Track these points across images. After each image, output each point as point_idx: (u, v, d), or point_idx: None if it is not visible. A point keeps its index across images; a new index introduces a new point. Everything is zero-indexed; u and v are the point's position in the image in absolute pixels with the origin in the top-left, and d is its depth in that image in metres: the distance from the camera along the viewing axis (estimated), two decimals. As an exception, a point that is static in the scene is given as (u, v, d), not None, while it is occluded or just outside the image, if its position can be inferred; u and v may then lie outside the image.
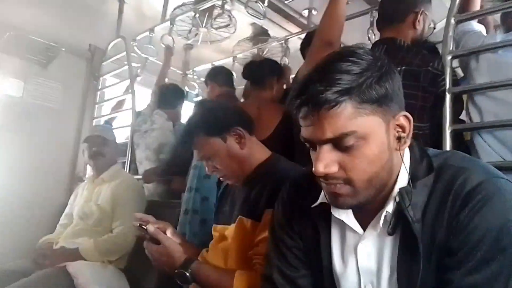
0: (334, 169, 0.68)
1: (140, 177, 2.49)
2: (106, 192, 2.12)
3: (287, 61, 3.02)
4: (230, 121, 1.22)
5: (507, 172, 0.95)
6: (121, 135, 3.07)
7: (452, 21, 1.37)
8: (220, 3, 2.65)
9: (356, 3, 2.64)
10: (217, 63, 3.61)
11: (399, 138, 0.71)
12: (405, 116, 0.71)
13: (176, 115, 2.78)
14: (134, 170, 2.67)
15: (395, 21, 1.44)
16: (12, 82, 2.77)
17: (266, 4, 2.37)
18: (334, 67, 0.67)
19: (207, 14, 3.00)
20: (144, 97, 3.22)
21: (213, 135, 1.20)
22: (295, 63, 3.35)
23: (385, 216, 0.71)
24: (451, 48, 1.34)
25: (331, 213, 0.78)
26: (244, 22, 3.23)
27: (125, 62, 3.02)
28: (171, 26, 2.93)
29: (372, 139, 0.67)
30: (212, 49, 3.60)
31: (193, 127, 1.25)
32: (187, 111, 3.00)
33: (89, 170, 2.74)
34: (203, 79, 3.83)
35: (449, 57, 1.33)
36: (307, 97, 0.66)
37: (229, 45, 3.50)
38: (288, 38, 3.05)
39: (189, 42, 3.37)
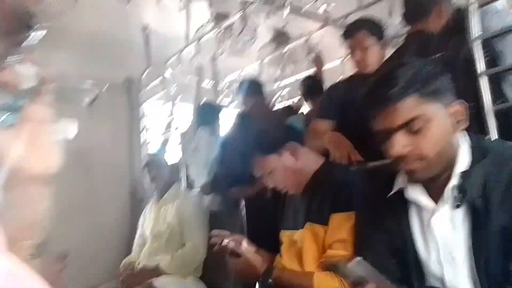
0: (408, 149, 0.86)
1: (197, 190, 2.71)
2: (171, 211, 2.34)
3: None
4: (282, 138, 1.37)
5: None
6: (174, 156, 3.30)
7: (473, 7, 1.44)
8: (241, 17, 2.79)
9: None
10: (244, 71, 3.79)
11: (458, 122, 0.89)
12: (461, 103, 0.90)
13: (218, 128, 2.97)
14: (190, 186, 2.89)
15: (422, 15, 1.53)
16: (64, 124, 3.05)
17: (287, 12, 2.47)
18: (394, 72, 0.89)
19: (228, 27, 3.17)
20: (188, 114, 3.44)
21: (269, 154, 1.35)
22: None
23: (452, 190, 0.87)
24: (476, 34, 1.41)
25: (406, 201, 0.95)
26: (263, 26, 3.36)
27: (162, 87, 3.26)
28: (198, 45, 3.11)
29: (436, 122, 0.86)
30: (238, 56, 3.75)
31: (250, 149, 1.41)
32: (225, 122, 3.19)
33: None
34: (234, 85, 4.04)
35: (475, 43, 1.41)
36: (378, 97, 0.89)
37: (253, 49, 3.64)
38: (310, 35, 3.16)
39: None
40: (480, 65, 1.40)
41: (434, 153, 0.86)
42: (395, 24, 2.57)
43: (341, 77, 2.80)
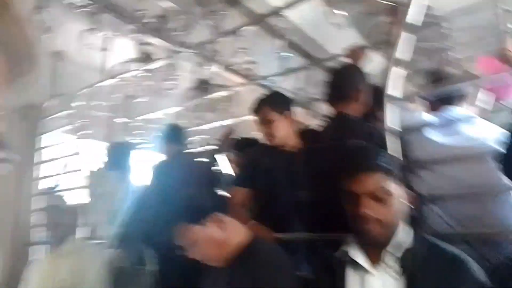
0: (373, 212, 1.07)
1: (100, 241, 2.46)
2: (66, 266, 2.07)
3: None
4: (209, 207, 1.34)
5: (455, 241, 1.19)
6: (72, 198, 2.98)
7: (389, 99, 1.61)
8: (166, 64, 2.75)
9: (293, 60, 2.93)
10: (161, 113, 3.69)
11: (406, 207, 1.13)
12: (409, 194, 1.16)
13: (128, 173, 2.78)
14: (92, 235, 2.61)
15: (345, 98, 1.65)
16: None
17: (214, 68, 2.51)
18: (368, 149, 1.26)
19: (150, 70, 3.09)
20: (95, 152, 3.17)
21: (194, 223, 1.31)
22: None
23: (389, 259, 1.05)
24: (389, 126, 1.57)
25: (346, 261, 1.12)
26: (187, 72, 3.35)
27: (68, 119, 2.98)
28: (115, 82, 2.96)
29: (396, 197, 1.10)
30: (157, 98, 3.65)
31: (172, 213, 1.35)
32: (138, 165, 3.02)
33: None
34: (149, 126, 3.89)
35: (390, 134, 1.57)
36: (358, 164, 1.16)
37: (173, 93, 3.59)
38: (231, 88, 3.24)
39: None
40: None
41: (391, 222, 1.08)
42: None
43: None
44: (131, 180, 2.79)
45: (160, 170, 2.48)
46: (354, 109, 1.65)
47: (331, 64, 2.81)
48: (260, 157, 1.86)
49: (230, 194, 1.82)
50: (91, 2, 2.03)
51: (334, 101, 1.70)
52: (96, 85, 2.99)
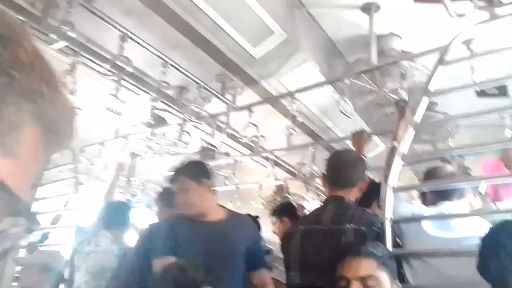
0: None
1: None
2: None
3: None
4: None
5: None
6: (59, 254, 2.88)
7: (389, 190, 1.67)
8: (177, 130, 2.84)
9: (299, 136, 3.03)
10: (166, 174, 3.72)
11: None
12: (398, 284, 1.21)
13: (123, 235, 2.72)
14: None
15: (348, 186, 1.69)
16: None
17: (224, 139, 2.59)
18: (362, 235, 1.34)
19: (160, 133, 3.17)
20: (87, 205, 3.14)
21: None
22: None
23: None
24: (389, 215, 1.61)
25: None
26: (193, 136, 3.44)
27: (71, 173, 2.99)
28: (125, 142, 3.02)
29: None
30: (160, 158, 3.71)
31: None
32: (134, 227, 2.97)
33: None
34: (149, 186, 3.90)
35: (389, 223, 1.60)
36: (352, 249, 1.22)
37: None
38: (237, 158, 3.32)
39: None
40: (391, 243, 1.57)
41: None
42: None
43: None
44: (125, 243, 2.72)
45: (151, 233, 2.42)
46: (352, 196, 1.70)
47: (336, 146, 2.96)
48: (177, 228, 1.83)
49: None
50: (115, 71, 2.13)
51: (337, 186, 1.74)
52: (104, 143, 3.06)
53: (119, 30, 2.00)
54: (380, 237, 1.54)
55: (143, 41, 2.07)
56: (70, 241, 2.68)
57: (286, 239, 1.75)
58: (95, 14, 1.88)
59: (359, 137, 2.21)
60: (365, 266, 1.16)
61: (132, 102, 2.95)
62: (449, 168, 1.80)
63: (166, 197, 2.58)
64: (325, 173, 1.79)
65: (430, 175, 1.78)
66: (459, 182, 1.63)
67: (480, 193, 1.96)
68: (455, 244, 1.47)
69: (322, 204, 1.81)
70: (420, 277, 1.50)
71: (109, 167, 3.28)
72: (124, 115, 3.07)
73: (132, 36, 2.05)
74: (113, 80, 2.31)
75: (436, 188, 1.65)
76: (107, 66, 2.15)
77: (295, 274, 1.64)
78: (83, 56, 2.10)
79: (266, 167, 3.30)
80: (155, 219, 2.62)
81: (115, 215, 2.69)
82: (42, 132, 0.35)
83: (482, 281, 1.33)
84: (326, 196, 1.79)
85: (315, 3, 2.19)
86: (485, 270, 1.05)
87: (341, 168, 1.75)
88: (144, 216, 3.99)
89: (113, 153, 3.07)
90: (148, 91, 2.50)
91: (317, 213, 1.77)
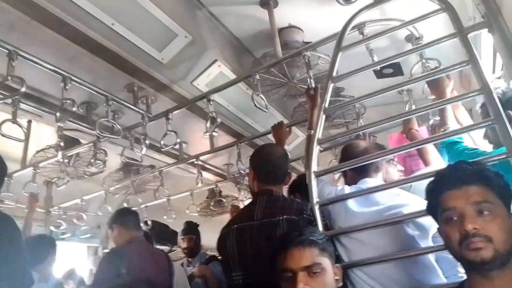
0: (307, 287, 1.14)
1: None
2: None
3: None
4: None
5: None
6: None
7: (312, 176, 1.72)
8: (91, 149, 2.66)
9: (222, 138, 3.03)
10: (87, 197, 3.48)
11: (336, 279, 1.23)
12: (338, 266, 1.28)
13: (49, 269, 2.50)
14: None
15: (277, 181, 1.77)
16: None
17: (144, 151, 2.48)
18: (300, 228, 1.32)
19: (73, 154, 2.95)
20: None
21: None
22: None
23: None
24: (316, 200, 1.67)
25: None
26: (112, 153, 3.26)
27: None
28: (34, 172, 2.76)
29: (328, 273, 1.20)
30: (78, 181, 3.45)
31: None
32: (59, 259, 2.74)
33: None
34: (70, 214, 3.62)
35: (317, 206, 1.65)
36: (290, 240, 1.23)
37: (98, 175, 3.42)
38: (162, 169, 3.21)
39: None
40: (322, 225, 1.62)
41: None
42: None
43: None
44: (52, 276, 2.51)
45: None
46: (280, 189, 1.78)
47: (259, 141, 2.99)
48: None
49: None
50: (7, 94, 1.93)
51: (266, 181, 1.77)
52: (13, 175, 2.76)
53: (5, 48, 1.81)
54: (311, 223, 1.58)
55: (35, 57, 1.90)
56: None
57: (221, 241, 1.73)
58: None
59: (279, 129, 2.26)
60: (308, 255, 1.18)
61: (36, 125, 2.72)
62: (362, 144, 1.87)
63: (123, 218, 2.43)
64: (253, 169, 1.81)
65: (345, 150, 1.86)
66: (369, 157, 1.71)
67: (394, 164, 2.09)
68: (378, 216, 1.54)
69: (252, 201, 1.82)
70: (352, 254, 1.56)
71: (21, 201, 2.99)
72: (29, 141, 2.83)
73: (22, 52, 1.86)
74: (8, 104, 2.09)
75: (352, 166, 1.73)
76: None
77: (236, 275, 1.63)
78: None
79: (194, 173, 3.24)
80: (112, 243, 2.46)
81: (38, 251, 2.49)
82: None
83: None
84: (255, 191, 1.80)
85: (214, 2, 2.19)
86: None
87: (269, 164, 1.79)
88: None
89: (23, 185, 2.78)
90: (51, 111, 2.30)
91: (248, 209, 1.78)
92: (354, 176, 1.78)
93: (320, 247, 1.21)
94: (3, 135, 1.98)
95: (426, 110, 1.71)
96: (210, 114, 2.31)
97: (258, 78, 2.18)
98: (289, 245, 1.21)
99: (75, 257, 4.26)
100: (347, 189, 1.71)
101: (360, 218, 1.57)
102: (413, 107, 2.46)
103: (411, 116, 2.10)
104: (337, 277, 1.24)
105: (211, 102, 2.34)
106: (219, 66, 2.46)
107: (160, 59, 2.27)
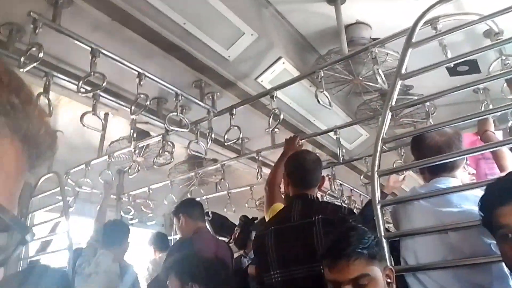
0: None
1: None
2: None
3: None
4: None
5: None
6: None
7: (376, 174, 1.69)
8: (160, 141, 2.82)
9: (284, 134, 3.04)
10: (154, 186, 3.69)
11: (389, 284, 1.18)
12: (391, 268, 1.21)
13: (123, 253, 2.70)
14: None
15: (312, 185, 1.84)
16: None
17: (208, 145, 2.59)
18: (347, 234, 1.21)
19: (144, 146, 3.15)
20: (78, 227, 3.09)
21: None
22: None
23: None
24: (378, 199, 1.63)
25: None
26: (178, 145, 3.43)
27: (58, 197, 2.94)
28: (109, 161, 2.99)
29: (378, 281, 1.12)
30: (147, 171, 3.68)
31: None
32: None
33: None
34: (139, 201, 3.86)
35: (379, 207, 1.62)
36: (335, 253, 1.17)
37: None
38: (225, 163, 3.31)
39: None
40: (383, 228, 1.57)
41: None
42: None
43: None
44: (126, 260, 2.71)
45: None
46: (314, 193, 1.86)
47: (320, 139, 2.97)
48: None
49: None
50: (89, 88, 2.11)
51: (302, 186, 1.85)
52: (90, 163, 3.02)
53: (89, 46, 1.99)
54: (345, 222, 1.58)
55: (115, 54, 2.06)
56: (67, 264, 2.65)
57: (259, 241, 1.81)
58: (63, 32, 1.86)
59: (293, 142, 2.41)
60: (355, 268, 1.13)
61: (112, 118, 2.95)
62: (436, 137, 1.66)
63: (190, 209, 2.59)
64: (287, 175, 1.92)
65: (416, 141, 1.73)
66: (441, 157, 1.62)
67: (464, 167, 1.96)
68: (454, 219, 1.45)
69: (287, 204, 1.89)
70: (419, 256, 1.49)
71: (97, 187, 3.25)
72: (105, 132, 3.07)
73: (103, 51, 2.03)
74: (89, 97, 2.29)
75: (421, 166, 1.66)
76: (82, 84, 2.13)
77: (275, 273, 1.69)
78: (55, 76, 2.08)
79: (255, 168, 3.30)
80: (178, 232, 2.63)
81: (114, 234, 2.69)
82: (21, 144, 0.35)
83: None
84: (289, 196, 1.90)
85: (281, 0, 2.22)
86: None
87: (303, 170, 1.87)
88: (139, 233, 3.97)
89: (100, 173, 3.03)
90: (126, 105, 2.48)
91: (285, 212, 1.85)
92: (428, 174, 1.69)
93: (367, 257, 1.16)
94: (86, 126, 2.18)
95: (504, 110, 1.60)
96: (273, 110, 2.34)
97: (322, 75, 2.17)
98: (333, 257, 1.18)
99: (141, 242, 4.53)
100: (419, 188, 1.65)
101: (433, 218, 1.48)
102: (490, 107, 2.30)
103: (487, 116, 1.97)
104: (389, 280, 1.20)
105: (274, 99, 2.37)
106: (283, 63, 2.48)
107: (227, 57, 2.34)
